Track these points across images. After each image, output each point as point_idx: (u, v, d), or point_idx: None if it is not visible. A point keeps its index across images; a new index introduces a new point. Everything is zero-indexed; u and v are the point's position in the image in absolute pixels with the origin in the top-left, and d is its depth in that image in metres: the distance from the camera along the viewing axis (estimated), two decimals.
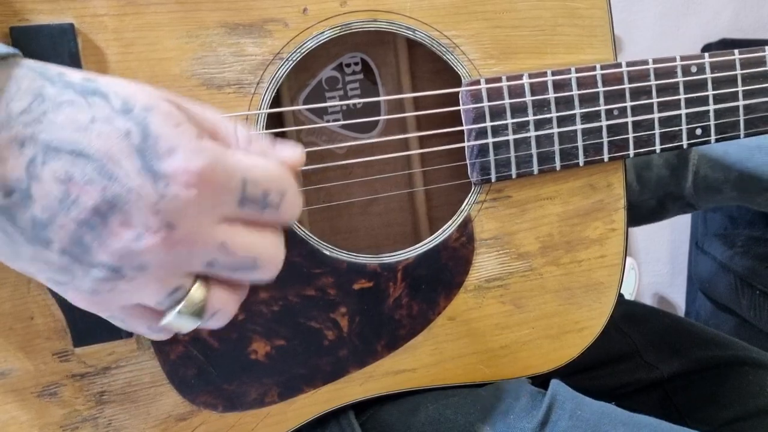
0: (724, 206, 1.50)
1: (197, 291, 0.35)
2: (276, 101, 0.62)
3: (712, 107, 0.58)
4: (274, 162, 0.37)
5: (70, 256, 0.33)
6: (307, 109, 0.64)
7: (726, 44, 1.62)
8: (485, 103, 0.55)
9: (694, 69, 0.58)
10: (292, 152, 0.39)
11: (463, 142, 0.56)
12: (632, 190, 0.87)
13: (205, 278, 0.36)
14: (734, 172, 0.83)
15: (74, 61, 0.46)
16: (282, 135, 0.62)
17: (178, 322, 0.36)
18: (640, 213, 0.89)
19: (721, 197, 0.86)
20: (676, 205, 0.89)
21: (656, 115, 0.58)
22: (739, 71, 0.59)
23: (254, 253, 0.36)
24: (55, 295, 0.48)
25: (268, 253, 0.37)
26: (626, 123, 0.57)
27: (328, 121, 0.64)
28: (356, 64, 0.65)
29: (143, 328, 0.37)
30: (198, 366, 0.52)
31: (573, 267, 0.60)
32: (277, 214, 0.37)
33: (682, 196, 0.87)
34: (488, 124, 0.55)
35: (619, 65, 0.57)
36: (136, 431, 0.51)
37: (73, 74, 0.34)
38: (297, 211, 0.38)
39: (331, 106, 0.64)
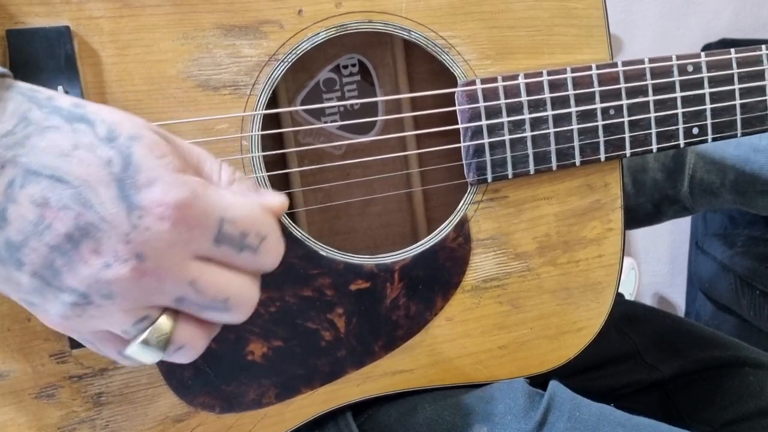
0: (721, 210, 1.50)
1: (164, 323, 0.35)
2: (273, 103, 0.62)
3: (708, 106, 0.58)
4: (256, 204, 0.37)
5: (40, 279, 0.33)
6: (305, 111, 0.64)
7: (726, 44, 1.62)
8: (481, 104, 0.55)
9: (690, 68, 0.58)
10: (276, 199, 0.39)
11: (460, 142, 0.56)
12: (627, 194, 0.86)
13: (175, 311, 0.36)
14: (731, 174, 0.82)
15: (70, 64, 0.46)
16: (279, 136, 0.62)
17: (142, 351, 0.36)
18: (636, 217, 0.89)
19: (717, 201, 0.85)
20: (672, 209, 0.88)
21: (653, 115, 0.58)
22: (735, 70, 0.58)
23: (226, 294, 0.36)
24: None
25: (240, 296, 0.36)
26: (622, 122, 0.57)
27: (325, 123, 0.64)
28: (353, 65, 0.65)
29: (113, 354, 0.37)
30: (195, 367, 0.52)
31: (570, 267, 0.60)
32: (255, 258, 0.36)
33: (678, 199, 0.86)
34: (484, 122, 0.55)
35: (615, 65, 0.57)
36: None
37: (62, 99, 0.34)
38: (277, 257, 0.37)
39: (328, 108, 0.64)
